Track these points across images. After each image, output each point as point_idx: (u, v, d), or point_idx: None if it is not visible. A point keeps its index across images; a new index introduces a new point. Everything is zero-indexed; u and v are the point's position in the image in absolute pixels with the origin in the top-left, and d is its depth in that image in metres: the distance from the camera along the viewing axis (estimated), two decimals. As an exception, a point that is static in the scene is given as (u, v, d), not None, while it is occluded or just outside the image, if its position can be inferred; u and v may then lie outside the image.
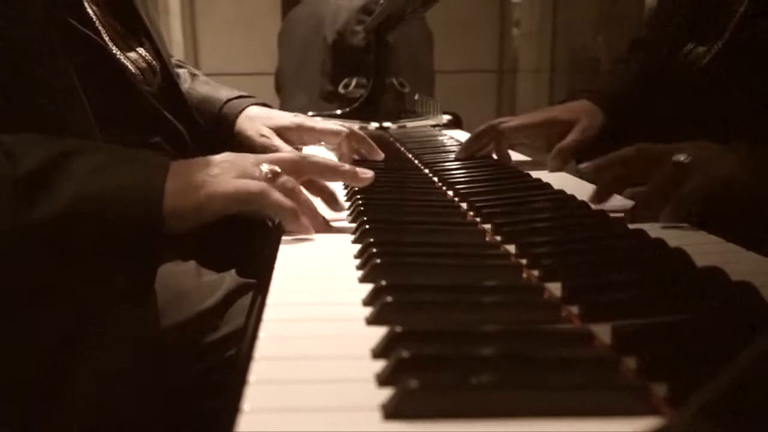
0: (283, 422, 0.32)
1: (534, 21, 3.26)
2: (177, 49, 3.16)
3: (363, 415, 0.32)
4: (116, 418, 0.66)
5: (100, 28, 0.74)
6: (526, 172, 0.93)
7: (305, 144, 1.08)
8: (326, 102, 2.08)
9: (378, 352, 0.38)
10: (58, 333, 0.62)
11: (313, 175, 0.68)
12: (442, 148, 1.25)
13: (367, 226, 0.62)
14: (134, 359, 0.67)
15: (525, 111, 1.10)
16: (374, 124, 1.64)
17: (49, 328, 0.62)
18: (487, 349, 0.37)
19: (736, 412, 0.23)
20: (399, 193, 0.83)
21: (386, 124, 1.65)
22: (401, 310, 0.44)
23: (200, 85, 1.05)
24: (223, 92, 1.05)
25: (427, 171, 0.99)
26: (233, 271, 0.83)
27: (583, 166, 0.83)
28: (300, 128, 1.02)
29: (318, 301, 0.48)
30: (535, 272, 0.52)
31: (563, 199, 0.76)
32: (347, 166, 0.70)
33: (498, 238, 0.62)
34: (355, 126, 1.11)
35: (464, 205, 0.75)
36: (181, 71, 1.05)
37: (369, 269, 0.52)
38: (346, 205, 0.74)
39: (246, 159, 0.63)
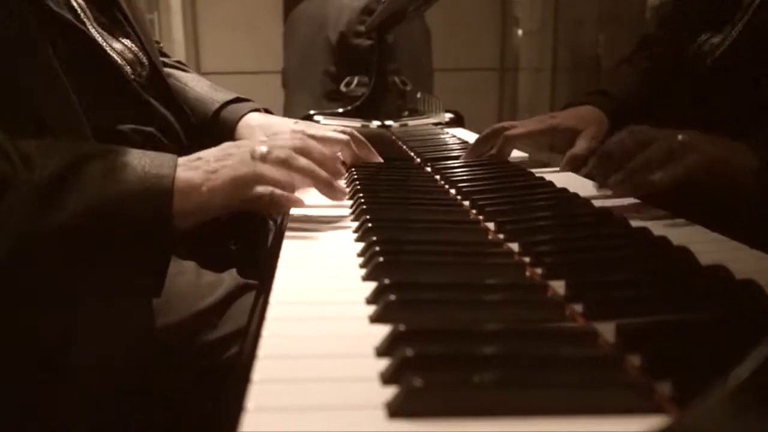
0: (287, 421, 0.32)
1: (535, 19, 3.26)
2: (178, 48, 3.16)
3: (367, 413, 0.32)
4: (114, 417, 0.66)
5: (85, 20, 0.74)
6: (528, 170, 0.93)
7: None
8: (329, 101, 2.08)
9: (382, 351, 0.38)
10: (58, 331, 0.63)
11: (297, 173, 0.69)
12: (444, 146, 1.25)
13: (370, 225, 0.62)
14: (133, 358, 0.67)
15: (526, 109, 1.10)
16: (376, 123, 1.64)
17: (50, 326, 0.63)
18: (490, 347, 0.37)
19: (742, 411, 0.23)
20: (401, 191, 0.83)
21: (388, 122, 1.65)
22: (404, 308, 0.43)
23: (197, 84, 1.04)
24: (220, 95, 1.04)
25: (429, 169, 0.99)
26: (233, 271, 0.83)
27: (573, 151, 0.85)
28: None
29: (321, 300, 0.47)
30: (539, 270, 0.52)
31: (566, 196, 0.76)
32: (324, 176, 0.69)
33: (501, 236, 0.62)
34: (357, 124, 1.11)
35: (467, 204, 0.75)
36: (176, 72, 1.05)
37: (372, 267, 0.51)
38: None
39: (241, 148, 0.65)
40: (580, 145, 1.00)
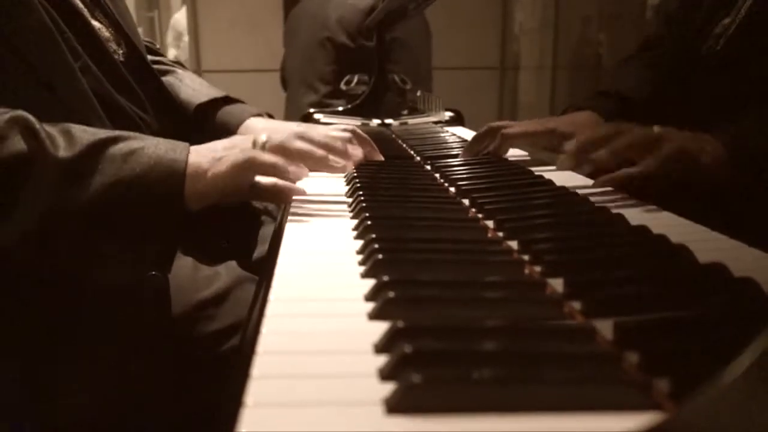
0: (286, 417, 0.32)
1: (536, 18, 3.26)
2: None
3: (366, 409, 0.32)
4: (112, 409, 0.67)
5: None
6: (527, 168, 0.93)
7: None
8: (332, 99, 2.08)
9: (380, 347, 0.38)
10: (65, 310, 0.65)
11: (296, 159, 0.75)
12: (444, 144, 1.25)
13: (369, 222, 0.62)
14: (130, 350, 0.67)
15: (527, 108, 1.10)
16: (376, 121, 1.64)
17: (58, 303, 0.65)
18: (489, 344, 0.37)
19: (738, 407, 0.23)
20: (401, 189, 0.83)
21: (388, 120, 1.65)
22: (403, 305, 0.44)
23: (191, 80, 1.04)
24: (211, 91, 1.04)
25: (428, 167, 0.99)
26: (232, 263, 0.83)
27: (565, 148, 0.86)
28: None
29: (320, 297, 0.48)
30: (537, 268, 0.52)
31: (565, 195, 0.76)
32: (320, 153, 0.77)
33: (500, 234, 0.62)
34: (357, 123, 1.11)
35: (466, 202, 0.75)
36: (180, 70, 1.05)
37: (371, 265, 0.52)
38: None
39: (246, 139, 0.71)
40: (571, 143, 0.99)
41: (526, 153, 1.15)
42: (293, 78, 2.35)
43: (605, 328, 0.40)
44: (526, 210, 0.70)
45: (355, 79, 1.94)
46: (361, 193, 0.75)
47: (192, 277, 0.76)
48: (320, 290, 0.49)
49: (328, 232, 0.65)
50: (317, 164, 0.77)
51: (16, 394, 0.65)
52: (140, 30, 0.99)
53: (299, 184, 0.75)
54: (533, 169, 0.94)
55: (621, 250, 0.56)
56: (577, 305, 0.45)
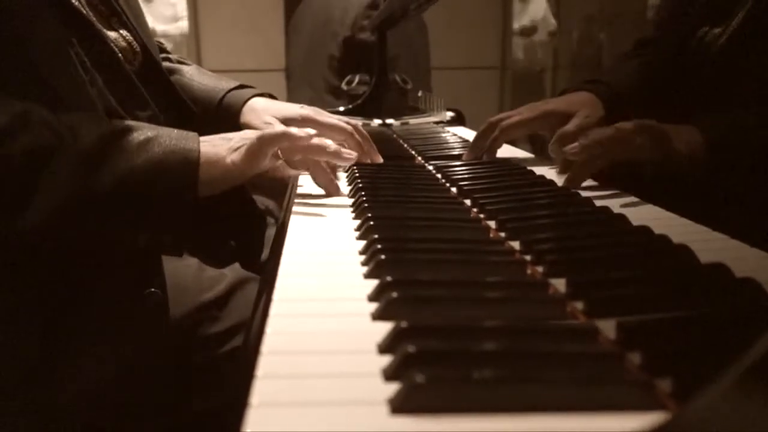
0: (291, 416, 0.32)
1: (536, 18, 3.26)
2: (180, 46, 3.16)
3: (370, 409, 0.33)
4: (116, 407, 0.67)
5: (81, 8, 0.75)
6: (529, 168, 0.94)
7: None
8: (333, 97, 2.08)
9: (384, 348, 0.39)
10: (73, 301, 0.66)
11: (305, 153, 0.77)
12: (445, 144, 1.25)
13: (372, 223, 0.62)
14: (135, 350, 0.68)
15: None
16: (377, 121, 1.64)
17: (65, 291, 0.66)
18: (492, 344, 0.37)
19: (741, 407, 0.24)
20: (403, 189, 0.83)
21: (389, 120, 1.65)
22: (406, 305, 0.44)
23: (203, 77, 1.05)
24: (223, 83, 1.05)
25: (430, 168, 1.00)
26: (235, 264, 0.84)
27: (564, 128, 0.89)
28: (306, 121, 1.02)
29: (324, 297, 0.48)
30: (540, 268, 0.52)
31: (567, 195, 0.76)
32: (335, 147, 0.78)
33: (502, 234, 0.62)
34: (359, 122, 1.11)
35: (468, 202, 0.76)
36: (184, 67, 1.05)
37: (374, 265, 0.52)
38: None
39: (259, 131, 0.74)
40: (573, 123, 0.99)
41: (528, 153, 1.15)
42: (296, 73, 2.35)
43: (608, 328, 0.40)
44: (528, 210, 0.70)
45: (356, 79, 1.95)
46: (363, 193, 0.75)
47: (197, 277, 0.77)
48: (323, 290, 0.49)
49: (331, 232, 0.65)
50: (331, 155, 0.77)
51: (17, 394, 0.65)
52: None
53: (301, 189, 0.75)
54: (535, 169, 0.94)
55: (623, 250, 0.56)
56: (579, 305, 0.45)
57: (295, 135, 0.71)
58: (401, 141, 1.32)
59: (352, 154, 0.79)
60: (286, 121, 1.00)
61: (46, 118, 0.61)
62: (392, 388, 0.34)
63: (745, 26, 0.88)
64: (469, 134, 1.39)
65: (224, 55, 3.28)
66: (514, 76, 3.41)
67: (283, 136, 0.71)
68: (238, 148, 0.69)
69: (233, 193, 0.80)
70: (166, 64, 0.99)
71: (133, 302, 0.68)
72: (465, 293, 0.46)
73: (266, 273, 0.56)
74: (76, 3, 0.74)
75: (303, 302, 0.47)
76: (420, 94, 1.75)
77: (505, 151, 1.11)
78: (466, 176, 0.88)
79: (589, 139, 0.81)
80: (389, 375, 0.35)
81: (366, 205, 0.70)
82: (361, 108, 1.69)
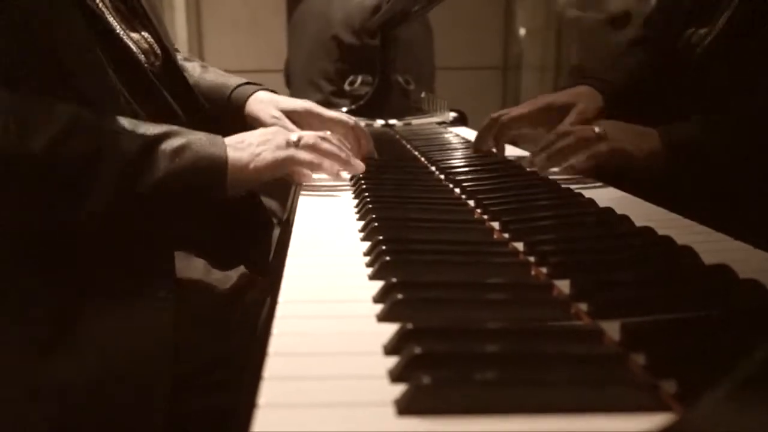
0: (298, 418, 0.32)
1: (538, 18, 3.26)
2: (182, 47, 3.17)
3: (376, 411, 0.33)
4: (121, 411, 0.67)
5: (104, 9, 0.76)
6: (532, 169, 0.94)
7: (312, 129, 1.09)
8: (337, 98, 2.08)
9: (390, 349, 0.39)
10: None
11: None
12: (448, 145, 1.25)
13: (376, 224, 0.62)
14: (139, 352, 0.68)
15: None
16: (380, 122, 1.64)
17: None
18: (497, 345, 0.38)
19: (746, 410, 0.24)
20: (407, 190, 0.83)
21: (392, 121, 1.65)
22: (411, 307, 0.44)
23: (210, 74, 1.07)
24: (233, 79, 1.07)
25: (433, 168, 1.00)
26: (241, 267, 0.84)
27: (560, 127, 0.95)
28: (308, 113, 1.03)
29: (329, 298, 0.48)
30: (544, 270, 0.53)
31: (571, 196, 0.77)
32: (345, 156, 0.86)
33: (506, 235, 0.63)
34: (361, 123, 1.12)
35: (471, 203, 0.76)
36: (189, 64, 1.06)
37: (379, 266, 0.52)
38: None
39: (277, 135, 0.79)
40: (567, 120, 1.01)
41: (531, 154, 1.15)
42: (297, 77, 2.35)
43: (612, 329, 0.40)
44: (532, 211, 0.70)
45: (359, 80, 1.95)
46: (367, 194, 0.75)
47: (205, 278, 0.77)
48: (329, 292, 0.49)
49: (335, 233, 0.65)
50: (342, 164, 0.85)
51: (18, 392, 0.65)
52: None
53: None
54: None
55: (627, 252, 0.57)
56: (583, 306, 0.45)
57: (317, 164, 0.81)
58: (404, 142, 1.32)
59: (360, 167, 0.87)
60: (290, 114, 1.02)
61: (93, 122, 0.67)
62: (398, 389, 0.34)
63: (730, 28, 0.89)
64: (471, 134, 1.39)
65: (226, 56, 3.29)
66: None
67: (310, 164, 0.80)
68: (259, 153, 0.75)
69: (244, 197, 0.81)
70: None
71: (143, 299, 0.69)
72: (469, 295, 0.47)
73: (271, 274, 0.56)
74: (100, 4, 0.75)
75: (308, 303, 0.47)
76: (423, 95, 1.76)
77: (509, 151, 1.12)
78: (469, 177, 0.88)
79: (555, 131, 0.90)
80: (395, 376, 0.36)
81: (370, 206, 0.70)
82: (363, 108, 1.69)
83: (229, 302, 0.76)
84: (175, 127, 0.72)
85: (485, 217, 0.70)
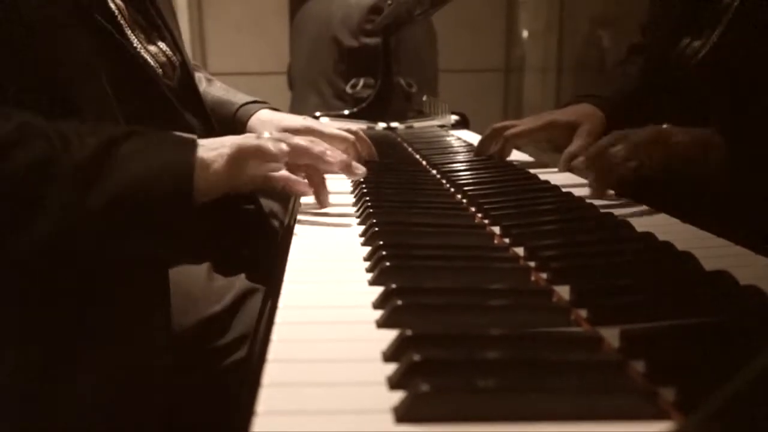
0: (297, 424, 0.32)
1: (540, 20, 3.26)
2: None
3: (375, 417, 0.33)
4: (122, 420, 0.67)
5: (122, 22, 0.75)
6: (533, 173, 0.94)
7: None
8: (339, 100, 2.08)
9: (389, 356, 0.39)
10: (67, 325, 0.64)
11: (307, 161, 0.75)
12: (450, 149, 1.25)
13: (377, 229, 0.62)
14: (143, 362, 0.67)
15: (531, 111, 1.12)
16: (382, 125, 1.64)
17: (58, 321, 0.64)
18: (496, 352, 0.37)
19: (747, 417, 0.24)
20: (408, 194, 0.83)
21: (394, 124, 1.65)
22: (411, 313, 0.44)
23: (216, 89, 1.07)
24: (239, 96, 1.07)
25: (435, 172, 1.00)
26: (242, 275, 0.84)
27: (575, 162, 0.88)
28: (308, 131, 1.03)
29: (329, 304, 0.48)
30: (544, 275, 0.53)
31: (571, 201, 0.77)
32: (318, 149, 0.75)
33: (506, 240, 0.63)
34: (363, 126, 1.12)
35: (473, 208, 0.76)
36: (196, 74, 1.06)
37: (379, 272, 0.52)
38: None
39: (249, 136, 0.71)
40: (577, 143, 1.01)
41: (532, 158, 1.15)
42: (299, 79, 2.35)
43: (612, 336, 0.40)
44: (533, 216, 0.70)
45: (361, 83, 1.94)
46: (367, 198, 0.75)
47: (205, 288, 0.76)
48: (328, 297, 0.49)
49: (336, 238, 0.65)
50: (313, 160, 0.75)
51: (16, 404, 0.64)
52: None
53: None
54: (539, 173, 0.94)
55: (627, 258, 0.57)
56: (583, 313, 0.45)
57: (267, 150, 0.68)
58: (406, 145, 1.32)
59: (360, 169, 0.79)
60: (291, 132, 1.01)
61: (44, 128, 0.60)
62: (397, 396, 0.34)
63: (724, 41, 0.89)
64: (473, 137, 1.39)
65: (229, 58, 3.29)
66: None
67: (257, 149, 0.68)
68: (223, 154, 0.66)
69: (246, 203, 0.80)
70: None
71: (137, 317, 0.67)
72: (469, 301, 0.47)
73: (271, 280, 0.56)
74: (119, 17, 0.74)
75: (308, 310, 0.47)
76: (425, 98, 1.76)
77: (511, 155, 1.12)
78: (470, 181, 0.88)
79: (597, 147, 0.82)
80: (394, 383, 0.36)
81: (371, 210, 0.70)
82: (365, 111, 1.69)
83: (231, 312, 0.76)
84: (140, 129, 0.65)
85: (486, 221, 0.70)
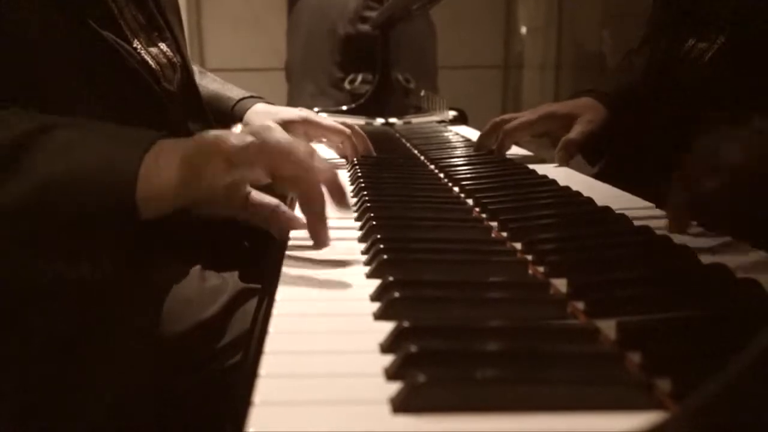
0: (294, 415, 0.32)
1: (539, 16, 3.26)
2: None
3: (372, 408, 0.33)
4: (118, 427, 0.66)
5: (121, 22, 0.71)
6: (531, 168, 0.94)
7: (309, 139, 1.09)
8: (336, 90, 2.07)
9: (386, 347, 0.39)
10: (56, 333, 0.61)
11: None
12: (448, 144, 1.25)
13: (374, 222, 0.62)
14: (138, 367, 0.67)
15: (530, 107, 1.12)
16: (380, 120, 1.64)
17: (46, 327, 0.60)
18: (493, 344, 0.38)
19: (738, 408, 0.24)
20: (405, 189, 0.83)
21: (392, 119, 1.65)
22: (408, 305, 0.44)
23: (209, 81, 1.06)
24: (234, 91, 1.06)
25: (432, 167, 1.00)
26: (236, 275, 0.83)
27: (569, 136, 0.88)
28: (305, 122, 1.03)
29: (326, 297, 0.48)
30: (541, 268, 0.53)
31: (569, 195, 0.77)
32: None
33: (504, 234, 0.63)
34: (361, 121, 1.12)
35: (470, 202, 0.76)
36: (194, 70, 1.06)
37: (376, 265, 0.52)
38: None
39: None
40: (576, 130, 1.01)
41: (530, 153, 1.16)
42: (296, 71, 2.35)
43: (608, 328, 0.40)
44: (530, 210, 0.70)
45: (359, 78, 1.95)
46: (365, 192, 0.75)
47: (199, 290, 0.75)
48: (326, 290, 0.49)
49: (332, 231, 0.65)
50: (298, 169, 0.55)
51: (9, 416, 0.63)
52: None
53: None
54: (537, 167, 0.94)
55: (624, 251, 0.57)
56: (580, 305, 0.45)
57: (228, 146, 0.52)
58: (404, 140, 1.32)
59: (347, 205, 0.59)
60: (288, 124, 1.01)
61: None
62: (394, 387, 0.34)
63: (730, 46, 0.89)
64: (472, 133, 1.39)
65: (227, 54, 3.28)
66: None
67: (214, 143, 0.52)
68: (177, 154, 0.51)
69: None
70: None
71: (123, 331, 0.65)
72: (466, 293, 0.47)
73: (268, 272, 0.56)
74: (119, 19, 0.70)
75: (305, 302, 0.47)
76: (423, 93, 1.76)
77: (510, 150, 1.12)
78: (468, 176, 0.88)
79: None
80: (391, 375, 0.36)
81: (368, 204, 0.70)
82: (363, 107, 1.69)
83: (226, 315, 0.75)
84: (79, 119, 0.53)
85: (483, 215, 0.70)
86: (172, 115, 0.73)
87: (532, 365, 0.36)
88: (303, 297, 0.48)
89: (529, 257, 0.56)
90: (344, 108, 1.72)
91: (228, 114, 1.02)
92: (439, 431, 0.31)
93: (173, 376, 0.70)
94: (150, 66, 0.73)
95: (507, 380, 0.34)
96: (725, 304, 0.45)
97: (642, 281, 0.49)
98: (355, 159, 1.01)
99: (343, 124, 1.04)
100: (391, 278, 0.47)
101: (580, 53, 3.12)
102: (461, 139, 1.29)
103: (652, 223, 0.61)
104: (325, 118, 1.07)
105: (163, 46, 0.79)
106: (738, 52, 0.89)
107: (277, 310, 0.45)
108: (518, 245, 0.59)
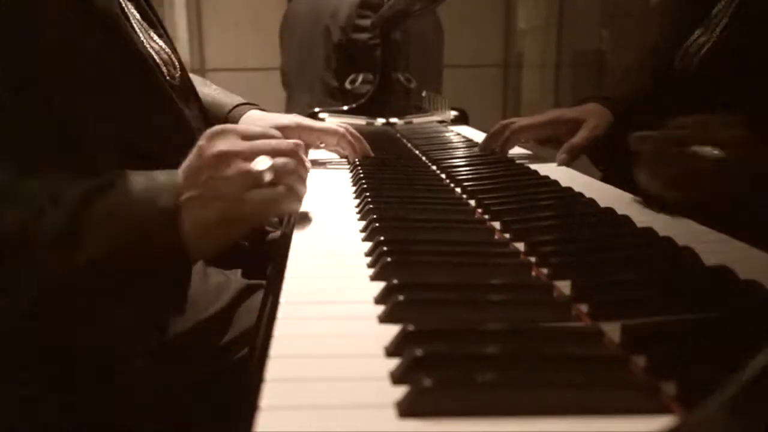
0: (300, 419, 0.32)
1: (539, 15, 3.26)
2: (182, 46, 3.16)
3: (378, 412, 0.33)
4: (123, 423, 0.66)
5: (130, 15, 0.73)
6: (534, 168, 0.94)
7: (306, 144, 1.09)
8: (331, 98, 2.08)
9: (391, 351, 0.39)
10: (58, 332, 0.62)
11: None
12: (449, 144, 1.25)
13: (377, 224, 0.62)
14: (143, 364, 0.67)
15: (530, 106, 1.13)
16: (381, 120, 1.64)
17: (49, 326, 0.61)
18: (498, 347, 0.38)
19: (749, 412, 0.24)
20: (408, 190, 0.83)
21: (393, 120, 1.65)
22: (413, 308, 0.44)
23: (211, 90, 1.07)
24: (229, 98, 1.07)
25: (434, 168, 1.00)
26: (239, 272, 0.83)
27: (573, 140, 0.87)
28: (299, 127, 1.04)
29: (330, 300, 0.48)
30: (545, 270, 0.53)
31: (572, 196, 0.77)
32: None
33: (507, 235, 0.63)
34: (362, 122, 1.13)
35: (473, 203, 0.76)
36: (190, 75, 1.06)
37: (380, 267, 0.52)
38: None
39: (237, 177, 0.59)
40: (580, 135, 1.02)
41: (531, 152, 1.16)
42: (291, 77, 2.35)
43: (612, 330, 0.41)
44: (533, 211, 0.70)
45: (360, 78, 1.95)
46: (368, 194, 0.75)
47: (202, 288, 0.75)
48: (330, 293, 0.49)
49: (336, 233, 0.65)
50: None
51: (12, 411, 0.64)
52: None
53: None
54: (538, 167, 0.94)
55: (628, 253, 0.57)
56: (584, 308, 0.45)
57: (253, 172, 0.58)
58: (405, 141, 1.32)
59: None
60: (280, 129, 1.01)
61: (14, 192, 0.55)
62: (400, 391, 0.34)
63: (724, 38, 0.89)
64: (473, 133, 1.39)
65: (227, 54, 3.29)
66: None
67: (247, 174, 0.58)
68: (223, 211, 0.58)
69: None
70: None
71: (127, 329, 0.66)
72: (470, 295, 0.47)
73: (273, 275, 0.56)
74: (131, 18, 0.72)
75: (310, 305, 0.47)
76: (424, 94, 1.76)
77: (512, 150, 1.12)
78: (470, 177, 0.88)
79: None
80: (397, 378, 0.36)
81: (371, 206, 0.70)
82: (364, 107, 1.69)
83: (230, 311, 0.75)
84: (114, 179, 0.57)
85: (486, 217, 0.70)
86: (177, 110, 0.77)
87: (538, 368, 0.36)
88: (307, 300, 0.48)
89: (533, 259, 0.56)
90: (345, 108, 1.72)
91: (223, 121, 1.03)
92: (446, 435, 0.32)
93: (179, 372, 0.70)
94: (155, 60, 0.76)
95: (512, 384, 0.34)
96: (729, 306, 0.45)
97: (646, 283, 0.49)
98: (356, 160, 1.01)
99: (338, 125, 1.05)
100: (395, 281, 0.47)
101: (580, 52, 3.13)
102: (462, 140, 1.29)
103: (655, 225, 0.61)
104: (317, 122, 1.08)
105: (160, 42, 0.81)
106: (732, 47, 0.89)
107: (281, 313, 0.45)
108: (521, 247, 0.59)
